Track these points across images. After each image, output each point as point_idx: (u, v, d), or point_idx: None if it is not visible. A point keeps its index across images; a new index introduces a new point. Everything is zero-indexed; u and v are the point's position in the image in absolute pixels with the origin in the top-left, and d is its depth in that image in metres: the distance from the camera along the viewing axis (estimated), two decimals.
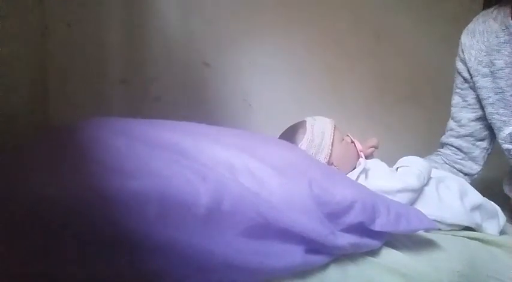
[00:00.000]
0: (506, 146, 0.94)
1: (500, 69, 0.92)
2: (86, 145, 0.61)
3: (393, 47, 1.45)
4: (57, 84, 1.21)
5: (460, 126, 1.04)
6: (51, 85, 1.20)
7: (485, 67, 0.95)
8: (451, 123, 1.07)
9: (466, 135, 1.04)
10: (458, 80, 1.03)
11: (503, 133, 0.94)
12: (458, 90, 1.04)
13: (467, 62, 0.99)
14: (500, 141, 0.95)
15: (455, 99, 1.05)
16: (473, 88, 1.00)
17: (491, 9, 0.96)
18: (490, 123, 0.97)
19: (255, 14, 1.35)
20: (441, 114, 1.37)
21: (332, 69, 1.42)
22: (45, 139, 0.69)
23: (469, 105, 1.03)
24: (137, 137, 0.65)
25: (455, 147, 1.06)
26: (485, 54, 0.94)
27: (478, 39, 0.96)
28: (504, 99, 0.92)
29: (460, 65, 1.02)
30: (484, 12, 0.98)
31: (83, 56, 1.23)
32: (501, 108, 0.93)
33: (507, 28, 0.91)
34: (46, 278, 0.48)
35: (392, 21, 1.43)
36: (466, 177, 1.05)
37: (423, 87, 1.46)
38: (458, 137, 1.05)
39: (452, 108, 1.06)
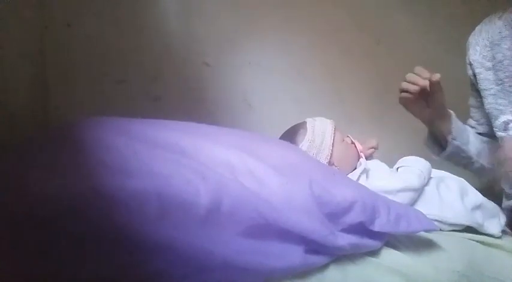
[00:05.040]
0: (499, 133, 0.98)
1: (499, 62, 0.96)
2: (85, 144, 0.61)
3: (393, 47, 1.45)
4: (57, 84, 1.21)
5: (480, 125, 1.09)
6: (51, 85, 1.20)
7: (488, 61, 0.99)
8: (471, 122, 1.12)
9: (486, 132, 1.08)
10: (471, 83, 1.07)
11: (498, 121, 0.97)
12: (472, 92, 1.09)
13: (471, 57, 1.02)
14: (494, 129, 0.99)
15: (472, 101, 1.10)
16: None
17: (499, 12, 1.00)
18: (488, 113, 1.00)
19: (255, 14, 1.35)
20: None
21: (332, 69, 1.42)
22: (44, 138, 0.69)
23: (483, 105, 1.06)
24: (137, 137, 0.65)
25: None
26: (489, 49, 0.99)
27: (484, 37, 1.00)
28: (504, 89, 0.96)
29: (468, 69, 1.05)
30: (491, 16, 1.02)
31: (83, 56, 1.22)
32: (500, 98, 0.97)
33: (509, 23, 0.96)
34: (46, 278, 0.48)
35: (392, 22, 1.43)
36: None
37: None
38: (479, 133, 1.09)
39: (471, 108, 1.11)
